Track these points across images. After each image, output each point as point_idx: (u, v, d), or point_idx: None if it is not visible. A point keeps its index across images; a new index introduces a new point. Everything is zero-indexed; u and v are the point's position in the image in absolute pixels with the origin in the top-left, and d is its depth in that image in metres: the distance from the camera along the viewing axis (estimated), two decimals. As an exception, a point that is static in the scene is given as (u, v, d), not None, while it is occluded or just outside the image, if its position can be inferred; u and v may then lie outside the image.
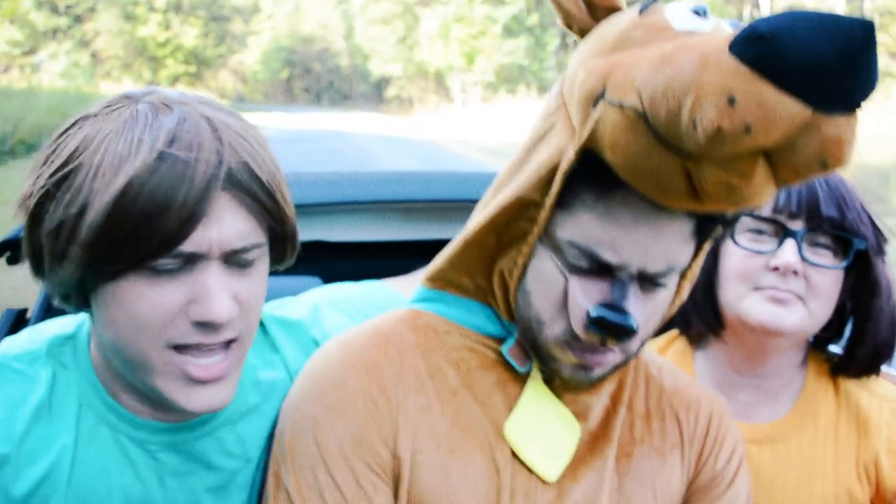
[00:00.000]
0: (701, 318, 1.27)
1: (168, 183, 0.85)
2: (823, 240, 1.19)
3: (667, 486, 1.05)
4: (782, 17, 0.76)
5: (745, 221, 1.20)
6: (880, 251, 1.24)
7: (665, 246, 0.89)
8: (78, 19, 30.01)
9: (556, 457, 0.98)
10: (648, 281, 0.91)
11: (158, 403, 0.98)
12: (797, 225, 1.19)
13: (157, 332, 0.90)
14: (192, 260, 0.89)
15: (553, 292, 0.93)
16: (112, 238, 0.86)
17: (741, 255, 1.20)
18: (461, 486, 0.97)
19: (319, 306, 1.19)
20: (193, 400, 0.93)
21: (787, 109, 0.72)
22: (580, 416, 1.00)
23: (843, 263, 1.19)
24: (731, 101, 0.73)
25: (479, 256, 1.01)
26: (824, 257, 1.19)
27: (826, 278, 1.19)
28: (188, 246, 0.87)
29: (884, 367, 1.30)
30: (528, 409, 0.99)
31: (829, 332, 1.26)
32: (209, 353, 0.94)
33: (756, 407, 1.28)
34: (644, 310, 0.92)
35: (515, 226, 0.96)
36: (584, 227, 0.89)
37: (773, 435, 1.27)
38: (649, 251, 0.88)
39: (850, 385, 1.29)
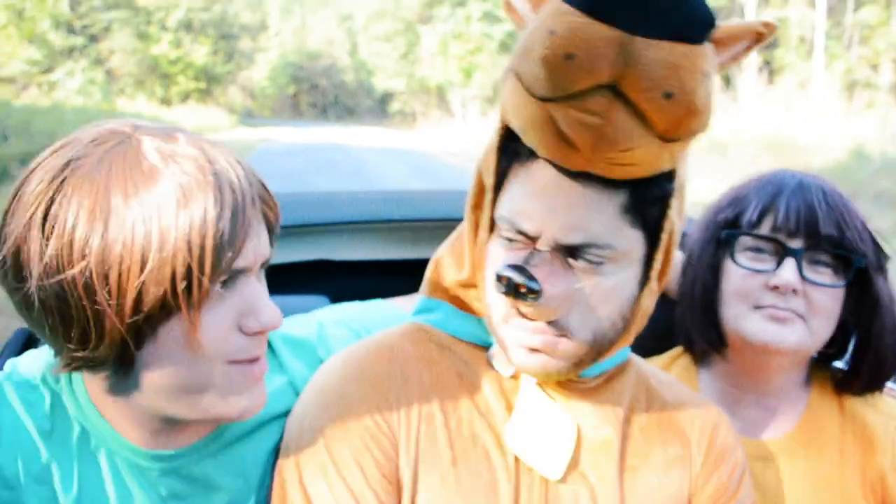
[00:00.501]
0: (703, 336, 1.26)
1: (229, 205, 0.84)
2: (823, 258, 1.17)
3: (670, 500, 1.04)
4: None
5: (745, 240, 1.20)
6: (881, 268, 1.23)
7: (581, 217, 0.89)
8: (93, 38, 30.76)
9: (557, 455, 0.98)
10: (574, 256, 0.91)
11: (161, 431, 0.96)
12: (796, 243, 1.17)
13: (217, 357, 0.88)
14: (236, 276, 0.89)
15: (492, 271, 0.95)
16: (171, 277, 0.83)
17: (741, 274, 1.19)
18: (466, 494, 0.97)
19: (325, 324, 1.19)
20: (244, 405, 0.93)
21: (596, 32, 0.77)
22: (580, 422, 1.00)
23: (844, 282, 1.18)
24: (552, 33, 0.78)
25: (462, 258, 1.05)
26: (824, 275, 1.18)
27: (826, 296, 1.18)
28: (240, 262, 0.87)
29: (889, 384, 1.29)
30: (524, 412, 0.99)
31: (833, 348, 1.25)
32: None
33: (761, 424, 1.27)
34: (566, 284, 0.91)
35: (483, 219, 0.98)
36: (511, 202, 0.91)
37: (778, 452, 1.26)
38: (562, 220, 0.88)
39: (854, 402, 1.28)
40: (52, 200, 0.83)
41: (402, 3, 36.34)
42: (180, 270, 0.82)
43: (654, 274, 0.97)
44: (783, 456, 1.25)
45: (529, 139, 0.87)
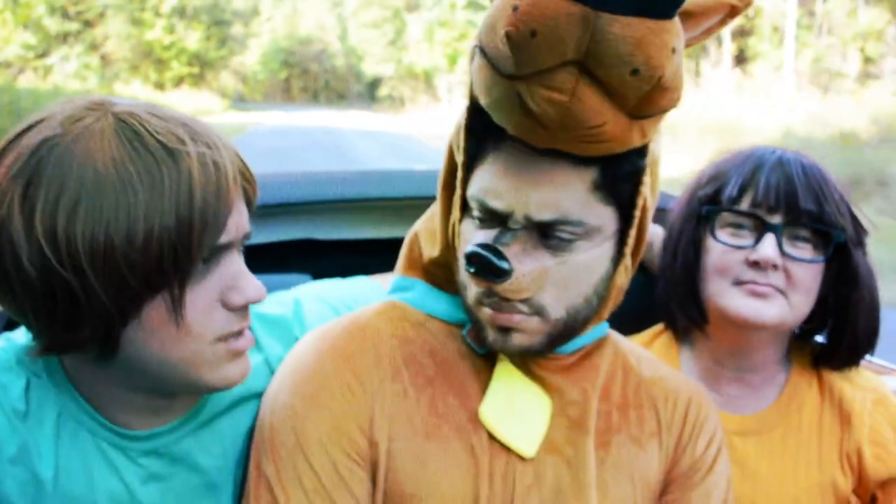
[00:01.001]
0: (684, 312, 1.26)
1: (213, 181, 0.82)
2: (803, 233, 1.17)
3: (645, 474, 1.03)
4: None
5: (725, 216, 1.19)
6: (860, 243, 1.22)
7: (551, 194, 0.88)
8: (88, 24, 31.07)
9: (531, 431, 0.98)
10: (546, 234, 0.89)
11: (141, 410, 0.95)
12: (776, 219, 1.17)
13: (203, 333, 0.87)
14: (219, 252, 0.87)
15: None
16: (157, 253, 0.80)
17: (721, 250, 1.18)
18: (439, 471, 0.96)
19: (302, 301, 1.17)
20: (231, 375, 0.92)
21: (560, 7, 0.74)
22: (555, 399, 1.00)
23: (823, 257, 1.17)
24: (515, 9, 0.75)
25: (440, 239, 1.02)
26: (804, 250, 1.17)
27: (806, 271, 1.17)
28: (223, 238, 0.85)
29: (868, 357, 1.29)
30: (499, 390, 0.98)
31: (812, 323, 1.25)
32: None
33: (741, 399, 1.27)
34: (537, 262, 0.90)
35: (455, 197, 0.97)
36: (481, 181, 0.90)
37: (757, 426, 1.26)
38: (532, 197, 0.87)
39: (833, 376, 1.28)
40: (29, 181, 0.81)
41: (390, -10, 36.92)
42: (166, 247, 0.81)
43: (627, 250, 0.97)
44: (762, 431, 1.26)
45: (498, 117, 0.87)
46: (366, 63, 42.60)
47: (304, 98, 50.92)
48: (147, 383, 0.93)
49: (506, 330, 0.95)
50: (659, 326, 1.39)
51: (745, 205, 1.20)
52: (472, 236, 0.94)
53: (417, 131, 21.97)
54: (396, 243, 1.16)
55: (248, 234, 0.93)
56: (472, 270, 0.90)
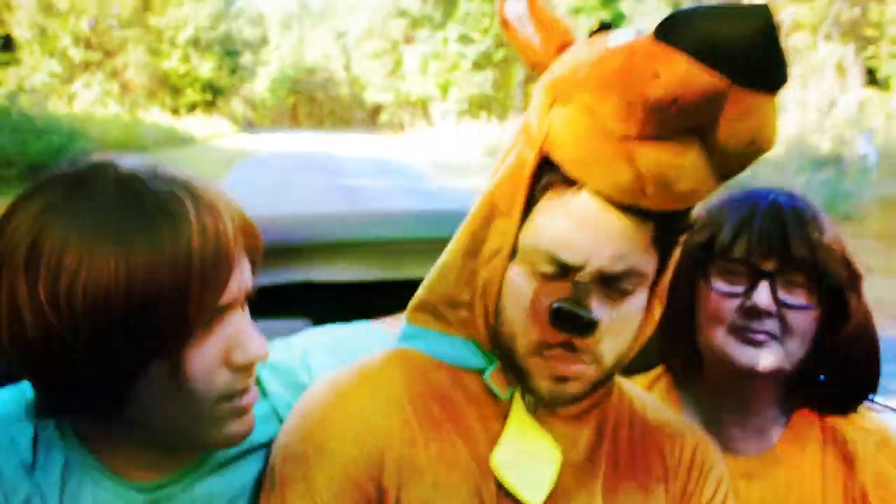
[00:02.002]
0: (681, 358, 1.24)
1: (212, 244, 0.81)
2: (797, 279, 1.14)
3: None
4: (699, 7, 0.79)
5: (718, 264, 1.16)
6: (854, 287, 1.18)
7: (622, 247, 0.87)
8: (108, 54, 32.59)
9: (540, 482, 0.96)
10: (610, 285, 0.88)
11: (146, 462, 0.93)
12: (770, 265, 1.13)
13: (206, 394, 0.85)
14: (221, 312, 0.85)
15: (522, 301, 0.91)
16: (156, 317, 0.78)
17: (715, 297, 1.16)
18: None
19: (308, 349, 1.14)
20: (235, 433, 0.91)
21: (703, 79, 0.75)
22: (564, 446, 0.97)
23: (818, 302, 1.14)
24: (656, 76, 0.76)
25: (455, 282, 0.99)
26: (798, 296, 1.14)
27: (801, 317, 1.14)
28: (225, 298, 0.83)
29: (873, 398, 1.26)
30: (512, 438, 0.97)
31: (810, 366, 1.20)
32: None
33: (743, 442, 1.24)
34: (608, 312, 0.89)
35: (489, 243, 0.94)
36: (544, 232, 0.88)
37: (761, 468, 1.23)
38: (606, 251, 0.86)
39: (834, 418, 1.24)
40: (33, 244, 0.80)
41: (389, 24, 38.44)
42: (166, 311, 0.79)
43: (658, 299, 0.97)
44: (766, 473, 1.24)
45: (593, 176, 0.85)
46: (368, 91, 44.17)
47: (309, 124, 52.19)
48: (151, 439, 0.92)
49: (563, 379, 0.94)
50: (658, 370, 1.36)
51: (738, 252, 1.16)
52: (528, 288, 0.92)
53: (414, 156, 23.30)
54: (398, 285, 1.13)
55: (251, 291, 0.91)
56: (558, 325, 0.87)
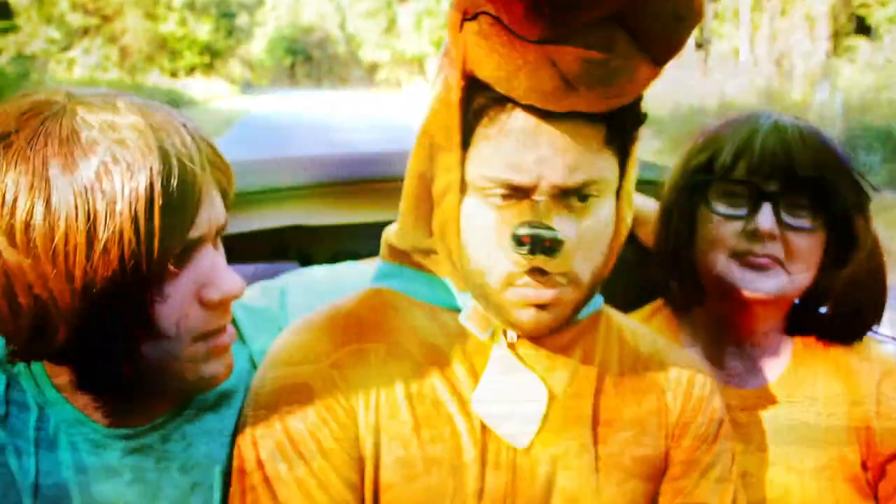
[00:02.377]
0: (681, 286, 1.18)
1: (176, 174, 0.76)
2: (801, 201, 1.08)
3: (646, 452, 0.98)
4: None
5: (719, 185, 1.10)
6: (862, 210, 1.13)
7: (572, 156, 0.82)
8: (106, 19, 32.65)
9: (526, 423, 0.92)
10: (570, 198, 0.83)
11: (124, 409, 0.89)
12: (773, 186, 1.08)
13: (179, 334, 0.82)
14: (191, 247, 0.81)
15: (483, 233, 0.86)
16: (120, 254, 0.73)
17: (716, 221, 1.10)
18: (429, 461, 0.91)
19: (288, 291, 1.11)
20: (212, 373, 0.88)
21: None
22: (550, 382, 0.93)
23: (823, 224, 1.09)
24: None
25: (414, 228, 0.95)
26: (803, 219, 1.08)
27: (805, 241, 1.09)
28: (194, 233, 0.79)
29: (876, 328, 1.22)
30: (494, 378, 0.92)
31: (815, 294, 1.16)
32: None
33: (745, 374, 1.20)
34: (574, 227, 0.84)
35: (437, 182, 0.89)
36: (489, 159, 0.83)
37: (762, 401, 1.19)
38: (557, 164, 0.81)
39: (838, 349, 1.19)
40: None
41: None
42: (129, 248, 0.75)
43: (626, 201, 0.92)
44: (767, 405, 1.19)
45: (515, 86, 0.80)
46: (364, 50, 44.17)
47: (308, 84, 52.13)
48: (127, 384, 0.88)
49: (542, 307, 0.89)
50: (657, 302, 1.32)
51: (739, 173, 1.11)
52: (488, 217, 0.86)
53: (408, 112, 23.63)
54: (385, 226, 1.07)
55: (224, 225, 0.87)
56: (524, 251, 0.82)
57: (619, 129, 0.87)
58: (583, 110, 0.82)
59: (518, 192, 0.86)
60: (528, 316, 0.90)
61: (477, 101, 0.85)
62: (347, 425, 0.94)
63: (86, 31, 32.32)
